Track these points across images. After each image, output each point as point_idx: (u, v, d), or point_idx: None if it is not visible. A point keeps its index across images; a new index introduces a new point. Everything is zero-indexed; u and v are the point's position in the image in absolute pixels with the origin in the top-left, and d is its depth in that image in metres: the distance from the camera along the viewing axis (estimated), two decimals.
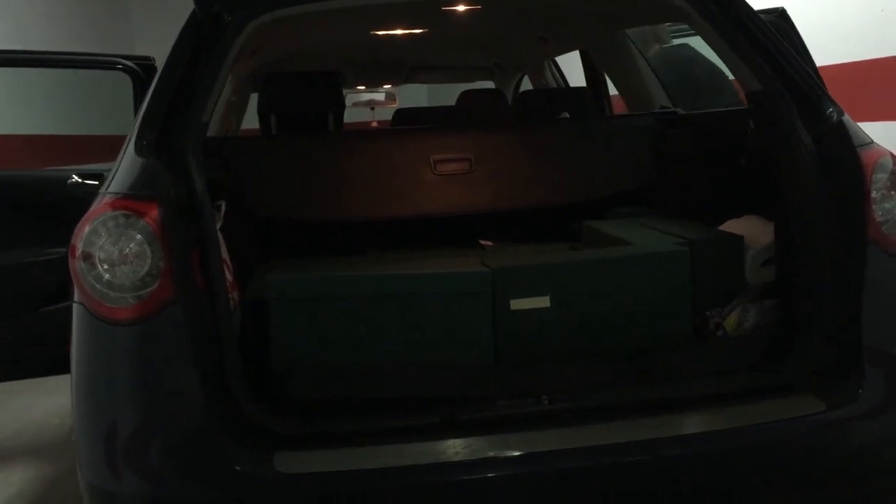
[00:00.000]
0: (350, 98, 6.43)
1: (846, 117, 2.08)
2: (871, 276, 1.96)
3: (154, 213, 1.80)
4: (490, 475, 1.78)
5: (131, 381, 1.79)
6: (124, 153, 1.96)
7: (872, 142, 2.10)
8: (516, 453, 1.80)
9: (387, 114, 5.40)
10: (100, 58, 3.65)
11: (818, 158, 2.05)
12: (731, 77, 3.53)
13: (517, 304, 2.12)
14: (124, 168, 1.91)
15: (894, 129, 3.58)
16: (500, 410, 1.92)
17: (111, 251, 1.79)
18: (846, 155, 2.01)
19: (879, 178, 2.02)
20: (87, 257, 1.80)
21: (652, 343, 2.19)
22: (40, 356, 3.14)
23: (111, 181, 1.92)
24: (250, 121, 4.45)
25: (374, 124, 7.77)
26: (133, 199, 1.83)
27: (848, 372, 1.94)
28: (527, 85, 5.19)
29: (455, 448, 1.80)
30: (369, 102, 6.89)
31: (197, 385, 1.76)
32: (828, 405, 1.90)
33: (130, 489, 1.76)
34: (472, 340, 2.11)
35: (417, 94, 7.96)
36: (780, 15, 3.22)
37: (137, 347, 1.79)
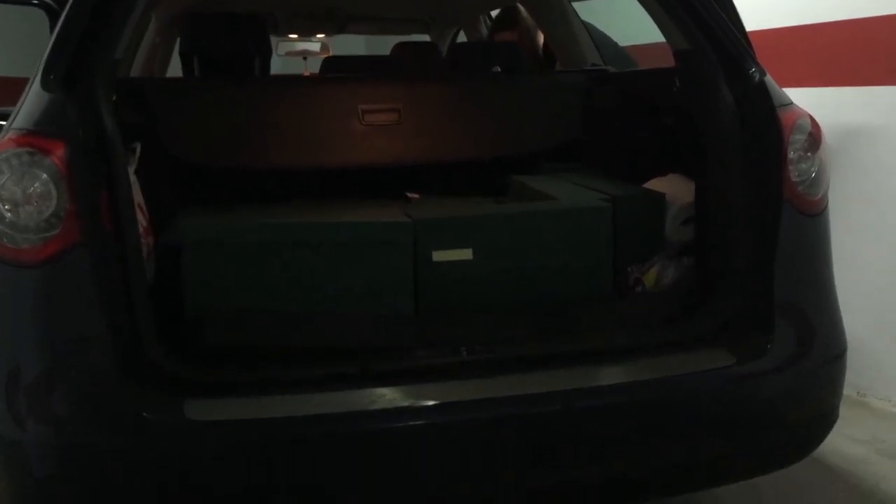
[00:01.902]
0: (283, 47, 6.25)
1: (768, 78, 2.11)
2: (784, 235, 2.01)
3: (60, 151, 1.72)
4: (404, 424, 1.78)
5: (35, 326, 1.73)
6: (30, 88, 1.87)
7: (792, 103, 2.13)
8: (432, 403, 1.80)
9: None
10: None
11: (739, 118, 2.07)
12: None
13: (439, 255, 2.12)
14: (30, 103, 1.82)
15: (812, 94, 3.65)
16: (418, 361, 1.92)
17: (14, 190, 1.71)
18: (765, 115, 2.04)
19: (797, 139, 2.06)
20: None
21: (572, 297, 2.21)
22: None
23: (15, 116, 1.83)
24: (177, 67, 4.31)
25: (307, 75, 7.60)
26: (38, 135, 1.74)
27: (759, 327, 1.99)
28: (463, 41, 5.13)
29: (370, 397, 1.79)
30: (303, 52, 6.72)
31: (104, 330, 1.70)
32: (738, 359, 1.95)
33: (36, 437, 1.70)
34: (392, 291, 2.10)
35: (355, 47, 7.79)
36: None
37: (42, 291, 1.73)
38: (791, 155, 2.04)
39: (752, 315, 2.01)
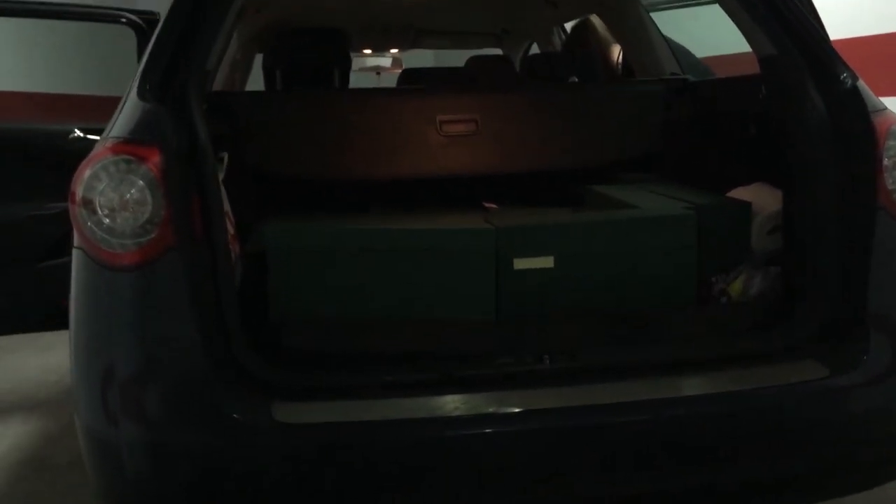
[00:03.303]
0: (356, 63, 6.35)
1: (860, 82, 2.05)
2: (879, 243, 1.94)
3: (156, 158, 1.77)
4: (487, 431, 1.77)
5: (129, 327, 1.77)
6: (126, 98, 1.93)
7: (886, 108, 2.07)
8: (515, 410, 1.79)
9: (392, 81, 5.33)
10: (102, 10, 3.60)
11: (830, 124, 2.02)
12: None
13: (520, 263, 2.11)
14: (126, 113, 1.88)
15: None
16: (501, 368, 1.91)
17: (112, 197, 1.77)
18: (859, 121, 1.98)
19: (892, 146, 1.99)
20: (88, 203, 1.77)
21: (655, 306, 2.17)
22: (38, 310, 3.13)
23: (113, 126, 1.89)
24: (254, 84, 4.40)
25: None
26: (135, 143, 1.80)
27: (852, 338, 1.92)
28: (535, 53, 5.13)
29: (454, 403, 1.79)
30: (375, 68, 6.82)
31: (195, 333, 1.74)
32: (831, 371, 1.89)
33: (127, 435, 1.75)
34: (474, 298, 2.10)
35: (423, 62, 7.89)
36: None
37: (136, 294, 1.77)
38: (886, 161, 1.98)
39: (846, 326, 1.94)
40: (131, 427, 1.75)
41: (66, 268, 1.86)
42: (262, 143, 2.76)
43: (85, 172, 1.79)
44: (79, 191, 1.78)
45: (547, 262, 2.12)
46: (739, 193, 2.49)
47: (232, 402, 1.73)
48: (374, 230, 2.21)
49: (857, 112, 1.98)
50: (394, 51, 6.29)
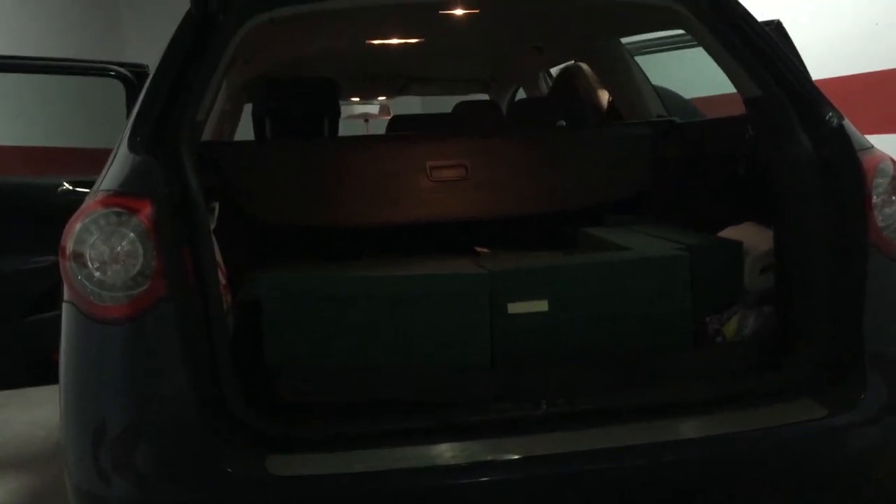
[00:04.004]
0: (344, 111, 6.40)
1: (846, 122, 2.07)
2: (872, 280, 1.95)
3: (148, 210, 1.76)
4: (486, 479, 1.75)
5: (121, 381, 1.75)
6: (117, 151, 1.93)
7: (872, 146, 2.09)
8: (513, 457, 1.77)
9: (380, 127, 5.37)
10: (92, 64, 3.62)
11: (818, 163, 2.03)
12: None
13: (515, 307, 2.10)
14: (117, 165, 1.88)
15: (887, 141, 3.60)
16: (497, 414, 1.89)
17: (102, 250, 1.75)
18: (846, 159, 2.00)
19: (880, 183, 2.01)
20: (78, 256, 1.76)
21: (650, 348, 2.16)
22: (27, 365, 3.09)
23: (103, 178, 1.88)
24: (243, 134, 4.42)
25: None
26: (126, 196, 1.79)
27: (849, 377, 1.92)
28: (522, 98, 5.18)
29: (451, 452, 1.77)
30: (363, 115, 6.87)
31: (188, 386, 1.72)
32: (829, 411, 1.88)
33: (119, 493, 1.71)
34: (469, 344, 2.08)
35: (411, 108, 7.97)
36: (776, 28, 3.23)
37: (128, 347, 1.75)
38: (875, 199, 1.99)
39: (842, 364, 1.94)
40: (123, 485, 1.72)
41: (55, 322, 1.84)
42: (253, 193, 2.76)
43: (75, 226, 1.78)
44: (69, 244, 1.77)
45: (541, 305, 2.11)
46: (730, 233, 2.50)
47: (225, 455, 1.70)
48: (367, 277, 2.20)
49: (844, 151, 2.00)
50: (381, 98, 6.35)
